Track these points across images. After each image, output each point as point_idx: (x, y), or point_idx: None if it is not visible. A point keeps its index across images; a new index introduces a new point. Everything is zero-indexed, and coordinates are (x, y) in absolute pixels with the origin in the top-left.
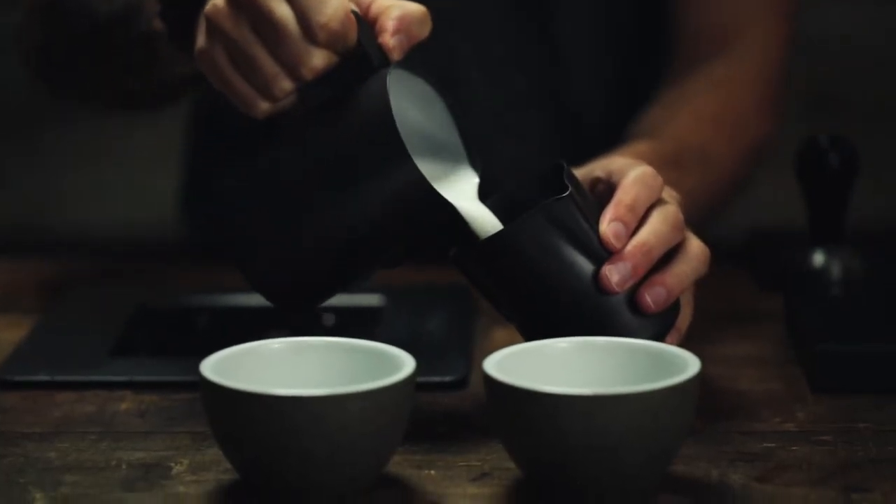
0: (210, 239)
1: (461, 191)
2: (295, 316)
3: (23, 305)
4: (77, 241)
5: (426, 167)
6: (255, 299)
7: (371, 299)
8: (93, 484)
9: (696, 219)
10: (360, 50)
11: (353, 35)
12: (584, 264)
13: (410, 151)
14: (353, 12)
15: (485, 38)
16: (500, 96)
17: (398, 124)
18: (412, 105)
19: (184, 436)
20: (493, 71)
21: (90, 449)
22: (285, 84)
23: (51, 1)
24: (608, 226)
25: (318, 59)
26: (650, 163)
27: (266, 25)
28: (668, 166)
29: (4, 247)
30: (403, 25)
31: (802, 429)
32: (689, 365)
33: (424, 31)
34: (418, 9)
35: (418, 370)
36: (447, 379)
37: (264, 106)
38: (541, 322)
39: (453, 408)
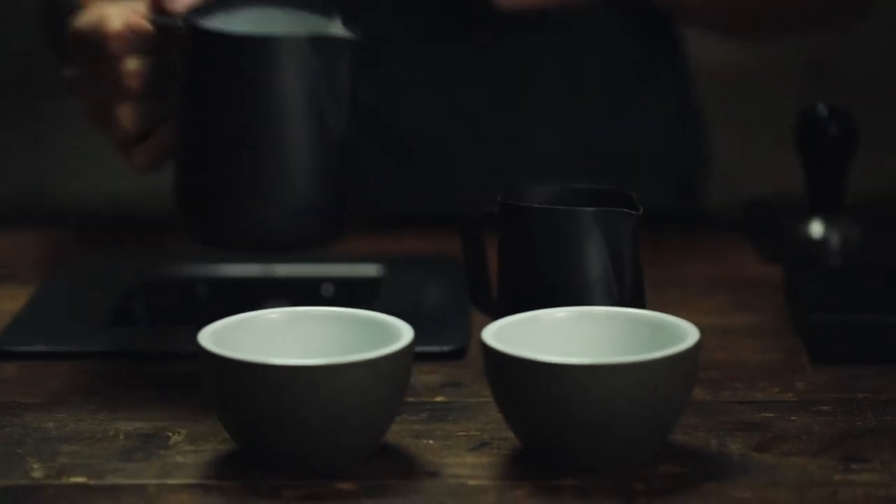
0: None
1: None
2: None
3: (21, 276)
4: (75, 211)
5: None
6: (254, 269)
7: (369, 270)
8: (90, 454)
9: None
10: (160, 26)
11: (141, 27)
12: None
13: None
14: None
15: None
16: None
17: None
18: (254, 23)
19: (182, 406)
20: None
21: (88, 419)
22: (127, 110)
23: None
24: None
25: (131, 64)
26: None
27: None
28: None
29: (2, 218)
30: None
31: (801, 399)
32: (688, 335)
33: None
34: None
35: (416, 340)
36: (445, 348)
37: (140, 156)
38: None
39: (452, 377)
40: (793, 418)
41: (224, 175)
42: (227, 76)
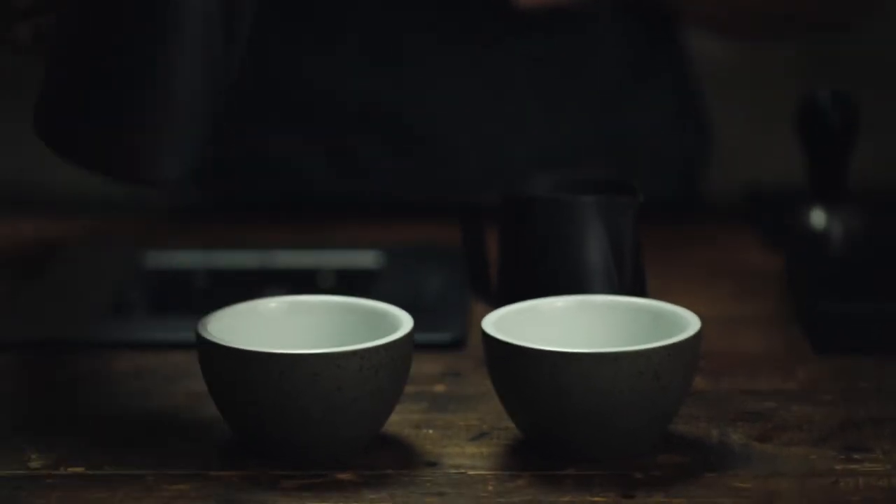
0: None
1: None
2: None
3: (19, 264)
4: (74, 199)
5: None
6: (253, 259)
7: (368, 260)
8: (89, 444)
9: None
10: None
11: None
12: (597, 266)
13: None
14: None
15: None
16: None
17: None
18: None
19: (180, 396)
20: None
21: (87, 408)
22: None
23: None
24: None
25: None
26: None
27: None
28: None
29: (0, 205)
30: None
31: (803, 388)
32: (689, 324)
33: None
34: None
35: (416, 329)
36: (445, 338)
37: (23, 31)
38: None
39: (451, 367)
40: (794, 408)
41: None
42: None
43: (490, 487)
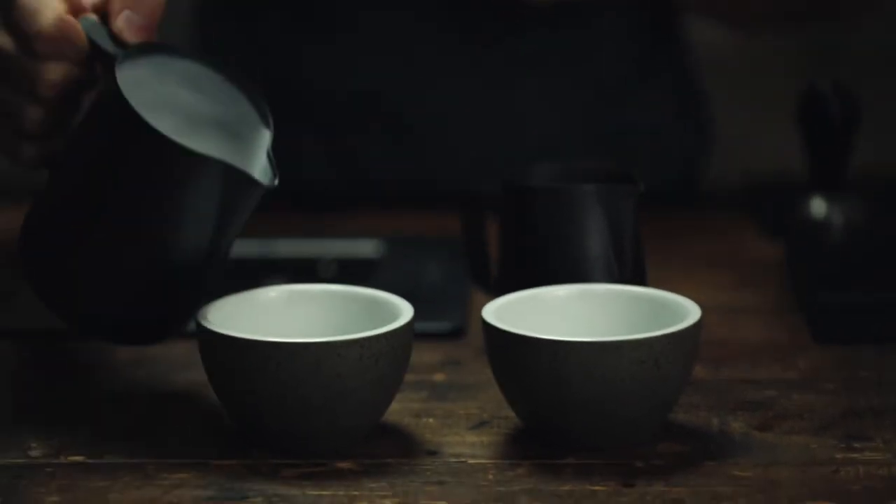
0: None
1: (251, 153)
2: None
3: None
4: None
5: (213, 147)
6: (254, 248)
7: (369, 249)
8: (90, 432)
9: None
10: (97, 48)
11: (76, 36)
12: (596, 254)
13: (176, 134)
14: (86, 19)
15: None
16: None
17: (146, 108)
18: (182, 87)
19: (181, 385)
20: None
21: (87, 397)
22: (34, 112)
23: None
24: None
25: (52, 72)
26: None
27: None
28: None
29: (1, 195)
30: (129, 2)
31: (803, 377)
32: (689, 313)
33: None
34: None
35: (416, 318)
36: (445, 327)
37: (30, 150)
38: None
39: (452, 356)
40: (795, 397)
41: (87, 251)
42: (141, 172)
43: (490, 476)
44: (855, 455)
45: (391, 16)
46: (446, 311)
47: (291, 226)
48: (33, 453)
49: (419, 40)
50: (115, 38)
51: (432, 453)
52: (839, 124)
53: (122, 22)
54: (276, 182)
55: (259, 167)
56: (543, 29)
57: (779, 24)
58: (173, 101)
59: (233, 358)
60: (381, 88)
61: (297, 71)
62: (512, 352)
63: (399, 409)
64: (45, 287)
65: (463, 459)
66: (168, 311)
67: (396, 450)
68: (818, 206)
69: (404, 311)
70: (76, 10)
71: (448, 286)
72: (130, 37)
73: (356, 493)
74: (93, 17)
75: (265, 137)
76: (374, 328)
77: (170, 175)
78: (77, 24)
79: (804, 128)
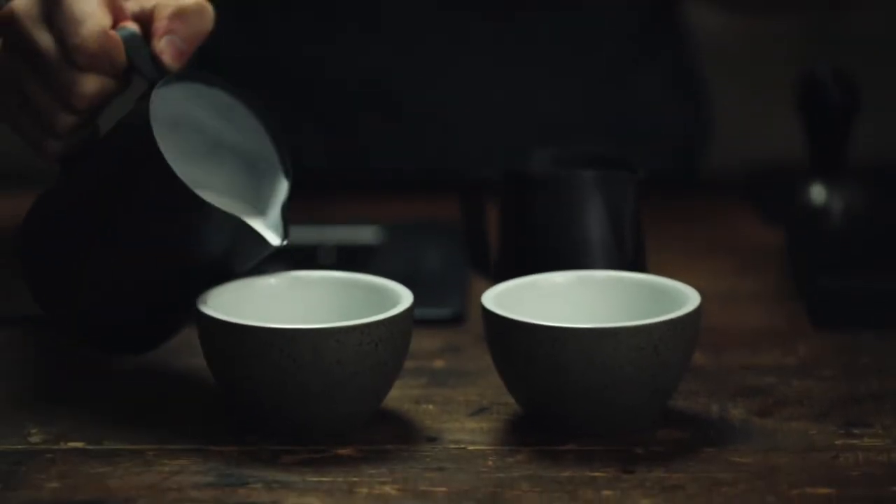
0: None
1: (266, 199)
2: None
3: (14, 242)
4: None
5: (229, 179)
6: None
7: (368, 235)
8: (89, 418)
9: None
10: (134, 63)
11: (116, 53)
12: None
13: (194, 177)
14: (128, 32)
15: None
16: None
17: (167, 142)
18: (211, 115)
19: (180, 371)
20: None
21: (87, 383)
22: (64, 119)
23: None
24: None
25: (87, 85)
26: None
27: (31, 57)
28: None
29: (4, 180)
30: (174, 25)
31: (803, 364)
32: (689, 299)
33: (202, 24)
34: (193, 1)
35: (416, 304)
36: (445, 313)
37: (54, 146)
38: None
39: (451, 342)
40: (794, 383)
41: (93, 271)
42: (154, 205)
43: (490, 462)
44: (854, 441)
45: (390, 1)
46: (446, 298)
47: (291, 213)
48: (33, 439)
49: (418, 26)
50: (154, 58)
51: (432, 440)
52: (839, 111)
53: (165, 44)
54: (286, 242)
55: (272, 221)
56: (542, 12)
57: (777, 8)
58: (199, 124)
59: (232, 344)
60: (381, 75)
61: (296, 56)
62: (511, 338)
63: (399, 396)
64: (42, 290)
65: (462, 446)
66: (162, 326)
67: (396, 436)
68: (818, 193)
69: (404, 297)
70: (119, 21)
71: (448, 272)
72: (169, 60)
73: (356, 479)
74: (134, 27)
75: (283, 188)
76: (374, 315)
77: (181, 217)
78: (119, 42)
79: (804, 115)
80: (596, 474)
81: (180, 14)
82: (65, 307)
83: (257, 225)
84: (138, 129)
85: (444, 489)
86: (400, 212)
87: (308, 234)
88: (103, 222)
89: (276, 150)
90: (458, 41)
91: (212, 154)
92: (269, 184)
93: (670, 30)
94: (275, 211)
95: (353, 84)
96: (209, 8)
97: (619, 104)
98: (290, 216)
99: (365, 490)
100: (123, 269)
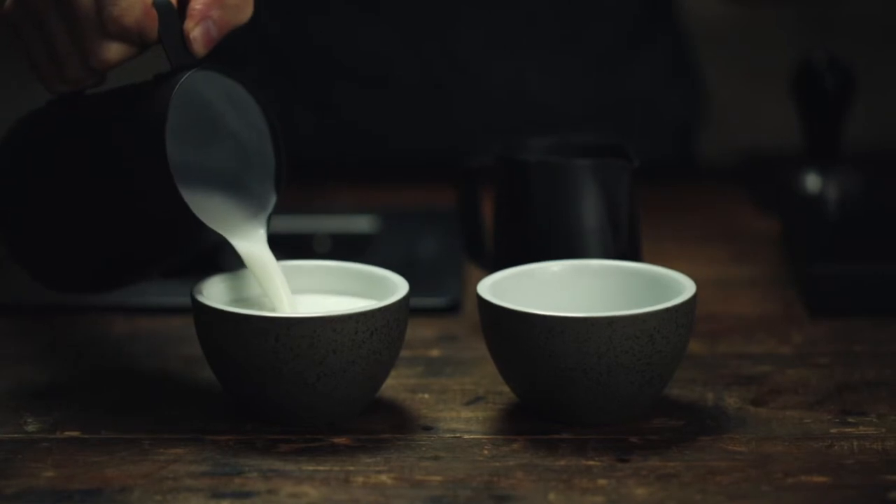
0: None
1: (251, 211)
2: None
3: None
4: None
5: (221, 163)
6: None
7: (364, 224)
8: (86, 408)
9: None
10: (163, 45)
11: (150, 30)
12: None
13: (193, 174)
14: (164, 4)
15: None
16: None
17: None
18: (226, 105)
19: (176, 360)
20: None
21: (83, 373)
22: (77, 71)
23: None
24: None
25: (111, 52)
26: None
27: (66, 5)
28: None
29: None
30: (211, 11)
31: (798, 352)
32: (684, 288)
33: (240, 16)
34: None
35: (411, 293)
36: (441, 302)
37: (60, 87)
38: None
39: (447, 331)
40: (789, 371)
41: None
42: (142, 185)
43: (485, 451)
44: (849, 429)
45: None
46: (442, 287)
47: (286, 202)
48: (29, 428)
49: (414, 9)
50: (184, 39)
51: (428, 429)
52: (834, 96)
53: (199, 32)
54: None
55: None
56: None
57: (776, 2)
58: (207, 104)
59: (228, 333)
60: (376, 59)
61: (290, 37)
62: (507, 327)
63: (394, 385)
64: (9, 234)
65: (458, 435)
66: (104, 273)
67: (392, 425)
68: (813, 180)
69: (400, 286)
70: None
71: (443, 261)
72: (199, 48)
73: (352, 468)
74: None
75: (271, 199)
76: (370, 303)
77: (149, 187)
78: (155, 19)
79: (799, 100)
80: (591, 463)
81: (221, 1)
82: (15, 233)
83: (235, 226)
84: (150, 123)
85: (439, 478)
86: (395, 200)
87: (303, 224)
88: (84, 184)
89: (274, 159)
90: (453, 28)
91: (211, 134)
92: (258, 182)
93: (667, 17)
94: (261, 217)
95: (346, 68)
96: (251, 2)
97: (616, 91)
98: (280, 212)
99: (361, 479)
100: (90, 229)
